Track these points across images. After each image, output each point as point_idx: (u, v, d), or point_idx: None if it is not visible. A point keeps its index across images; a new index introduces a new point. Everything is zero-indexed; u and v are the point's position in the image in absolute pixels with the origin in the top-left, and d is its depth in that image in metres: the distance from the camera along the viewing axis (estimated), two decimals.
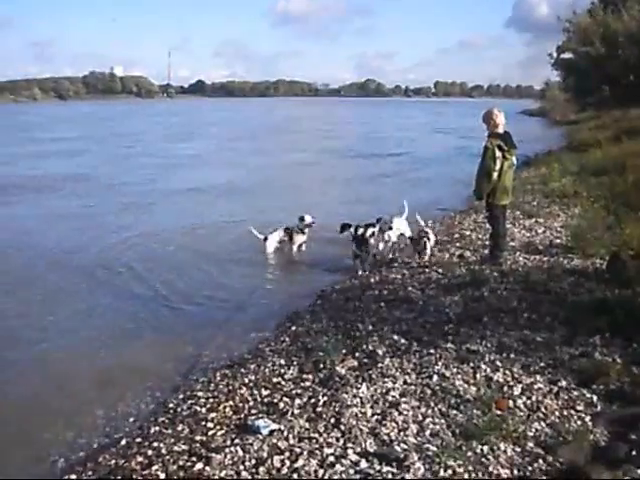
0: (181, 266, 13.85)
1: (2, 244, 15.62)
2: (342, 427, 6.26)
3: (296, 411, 6.75)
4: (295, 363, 8.11)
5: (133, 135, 55.51)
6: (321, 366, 7.83)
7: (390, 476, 5.37)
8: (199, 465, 5.87)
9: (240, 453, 5.98)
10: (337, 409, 6.65)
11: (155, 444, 6.48)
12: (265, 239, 14.31)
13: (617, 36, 44.63)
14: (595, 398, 6.46)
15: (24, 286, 12.48)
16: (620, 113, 40.34)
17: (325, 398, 6.97)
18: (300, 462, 5.71)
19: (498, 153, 11.26)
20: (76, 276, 13.16)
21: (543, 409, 6.30)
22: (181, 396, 7.77)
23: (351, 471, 5.50)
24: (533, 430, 5.92)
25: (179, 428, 6.80)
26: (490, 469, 5.37)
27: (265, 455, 5.88)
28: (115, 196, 23.33)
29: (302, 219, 14.28)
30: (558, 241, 13.08)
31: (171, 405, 7.54)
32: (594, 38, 47.60)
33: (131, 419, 7.44)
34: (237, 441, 6.23)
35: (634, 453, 5.37)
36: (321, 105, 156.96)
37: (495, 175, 11.34)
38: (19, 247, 15.42)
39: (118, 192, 24.19)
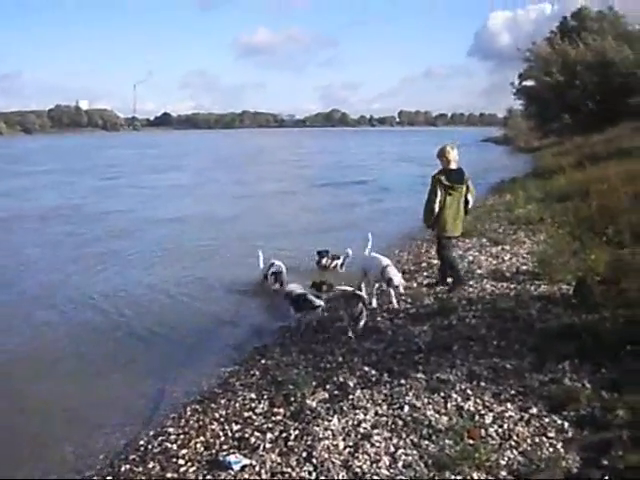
0: (153, 299, 13.81)
1: None
2: (314, 461, 6.24)
3: (267, 445, 6.71)
4: (266, 397, 8.05)
5: (112, 167, 55.65)
6: (292, 399, 7.79)
7: None
8: None
9: None
10: (309, 442, 6.62)
11: None
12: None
13: (575, 65, 45.35)
14: (566, 424, 6.47)
15: None
16: (582, 139, 40.89)
17: (296, 432, 6.94)
18: None
19: (440, 188, 11.79)
20: (44, 309, 13.14)
21: (515, 437, 6.31)
22: (151, 432, 7.69)
23: None
24: (506, 459, 5.92)
25: (150, 466, 6.74)
26: None
27: None
28: (102, 225, 24.26)
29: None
30: (525, 268, 13.14)
31: (141, 442, 7.47)
32: (554, 67, 48.32)
33: (101, 456, 7.33)
34: (209, 477, 6.22)
35: (607, 479, 5.38)
36: (288, 136, 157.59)
37: (436, 208, 11.84)
38: None
39: (105, 221, 25.22)
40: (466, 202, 12.17)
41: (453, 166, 12.00)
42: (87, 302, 13.49)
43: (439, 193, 11.80)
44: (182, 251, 18.85)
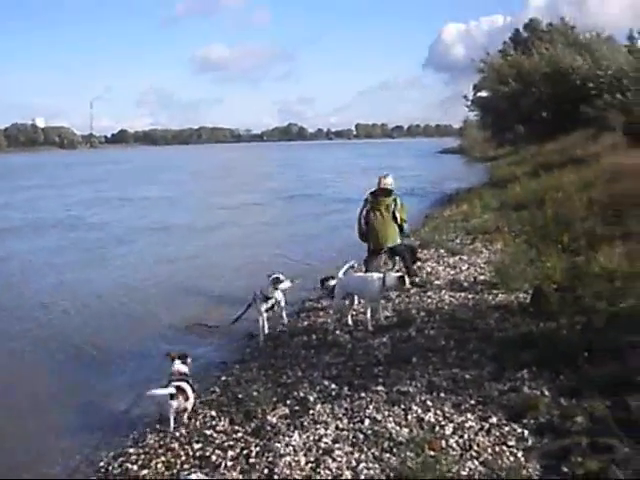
0: (113, 312, 13.94)
1: None
2: (276, 477, 6.22)
3: (229, 463, 6.68)
4: (226, 414, 8.01)
5: (94, 182, 56.99)
6: (252, 416, 7.75)
7: None
8: None
9: None
10: (270, 459, 6.59)
11: None
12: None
13: (530, 74, 45.83)
14: (526, 432, 6.50)
15: None
16: (536, 148, 41.31)
17: (258, 448, 6.90)
18: None
19: (367, 205, 13.50)
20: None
21: (475, 447, 6.32)
22: (112, 454, 7.62)
23: None
24: (467, 469, 5.92)
25: None
26: None
27: None
28: (102, 232, 26.57)
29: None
30: (482, 277, 13.21)
31: (102, 464, 7.41)
32: (508, 77, 48.81)
33: None
34: None
35: None
36: (247, 150, 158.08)
37: (363, 223, 13.46)
38: None
39: (104, 230, 27.41)
40: (395, 218, 13.33)
41: (382, 186, 13.59)
42: (38, 320, 13.55)
43: (364, 210, 13.46)
44: (161, 257, 20.33)
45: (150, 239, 24.65)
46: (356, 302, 11.57)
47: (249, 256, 19.18)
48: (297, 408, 7.81)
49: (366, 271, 12.94)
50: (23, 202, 40.15)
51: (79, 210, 34.64)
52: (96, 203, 38.32)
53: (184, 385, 8.09)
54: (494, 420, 6.83)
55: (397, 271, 12.93)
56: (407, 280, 11.03)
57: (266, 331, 11.38)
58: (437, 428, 6.82)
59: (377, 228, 13.28)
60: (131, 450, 7.54)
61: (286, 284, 11.60)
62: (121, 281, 17.07)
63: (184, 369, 8.53)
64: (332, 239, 22.30)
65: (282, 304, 11.75)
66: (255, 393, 8.31)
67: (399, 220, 13.36)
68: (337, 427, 7.14)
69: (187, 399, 7.99)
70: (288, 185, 48.02)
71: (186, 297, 14.90)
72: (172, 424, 7.90)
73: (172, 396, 7.84)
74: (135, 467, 7.04)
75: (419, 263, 14.61)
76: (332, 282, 12.46)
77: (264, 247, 21.01)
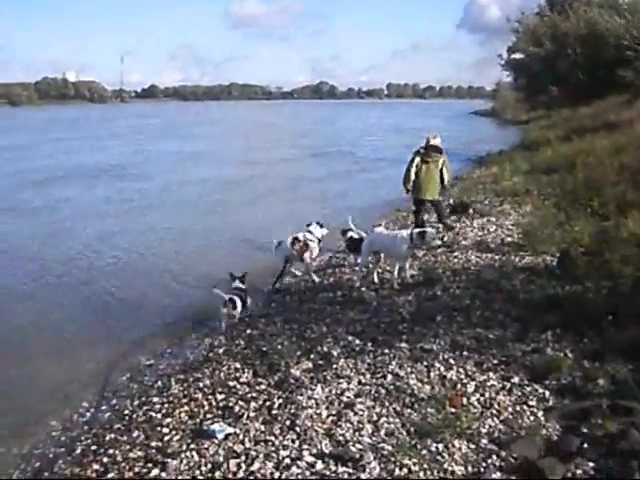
0: (138, 271, 13.93)
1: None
2: (297, 429, 6.29)
3: (251, 414, 6.76)
4: (250, 366, 8.10)
5: (133, 135, 58.95)
6: (276, 369, 7.84)
7: (346, 476, 5.40)
8: (155, 471, 5.87)
9: (196, 458, 5.98)
10: (292, 411, 6.67)
11: (111, 451, 6.46)
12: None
13: (565, 36, 45.23)
14: (547, 393, 6.55)
15: None
16: (569, 112, 40.86)
17: (280, 401, 6.99)
18: (256, 465, 5.71)
19: (417, 158, 13.78)
20: (25, 281, 13.25)
21: (496, 405, 6.37)
22: (136, 402, 7.76)
23: (307, 472, 5.53)
24: (487, 427, 5.98)
25: (134, 434, 6.78)
26: (445, 466, 5.42)
27: (221, 459, 5.88)
28: (148, 183, 27.65)
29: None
30: (510, 239, 13.18)
31: (126, 412, 7.53)
32: (543, 38, 48.20)
33: (86, 427, 7.38)
34: (193, 446, 6.24)
35: (585, 446, 5.44)
36: (278, 107, 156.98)
37: (412, 175, 13.76)
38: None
39: (151, 180, 28.63)
40: (442, 175, 13.80)
41: (432, 142, 13.82)
42: (74, 277, 13.61)
43: (416, 161, 13.70)
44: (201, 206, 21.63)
45: (194, 189, 25.46)
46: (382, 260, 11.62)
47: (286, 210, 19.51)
48: (321, 362, 7.89)
49: (415, 222, 13.69)
50: (67, 153, 41.00)
51: (121, 161, 35.63)
52: (136, 156, 39.02)
53: (235, 298, 10.02)
54: (516, 380, 6.87)
55: (431, 226, 12.98)
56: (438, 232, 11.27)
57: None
58: (459, 386, 6.88)
59: (424, 180, 13.74)
60: (155, 399, 7.67)
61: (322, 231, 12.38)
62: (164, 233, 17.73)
63: (241, 286, 10.54)
64: (363, 197, 22.61)
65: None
66: (279, 346, 8.42)
67: (445, 180, 13.92)
68: (359, 382, 7.21)
69: (235, 308, 9.93)
70: (321, 142, 47.81)
71: (229, 248, 15.47)
72: (223, 326, 9.90)
73: (224, 303, 9.88)
74: (159, 415, 7.16)
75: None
76: (351, 233, 12.51)
77: (301, 201, 21.69)
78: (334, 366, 7.69)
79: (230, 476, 5.61)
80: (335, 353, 8.09)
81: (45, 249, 15.93)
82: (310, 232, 12.16)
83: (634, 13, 40.35)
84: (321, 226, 12.42)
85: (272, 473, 5.57)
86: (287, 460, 5.74)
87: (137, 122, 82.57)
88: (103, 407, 7.90)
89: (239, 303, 10.04)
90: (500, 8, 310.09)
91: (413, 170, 13.69)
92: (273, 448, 5.99)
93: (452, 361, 7.48)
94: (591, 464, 5.21)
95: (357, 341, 8.45)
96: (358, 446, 5.83)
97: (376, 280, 11.29)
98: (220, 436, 6.29)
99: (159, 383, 8.27)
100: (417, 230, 11.18)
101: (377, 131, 61.98)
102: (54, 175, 29.47)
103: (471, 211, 16.04)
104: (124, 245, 16.21)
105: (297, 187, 25.64)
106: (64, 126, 73.75)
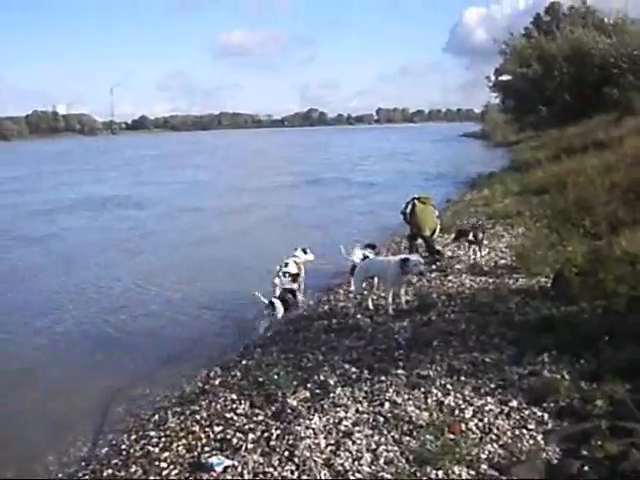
0: (133, 299, 14.05)
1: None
2: (296, 460, 6.24)
3: (250, 446, 6.70)
4: (247, 397, 8.04)
5: (131, 166, 61.31)
6: (273, 399, 7.79)
7: None
8: None
9: None
10: (290, 442, 6.62)
11: None
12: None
13: (552, 57, 45.58)
14: (546, 416, 6.51)
15: None
16: (558, 132, 41.10)
17: (278, 431, 6.93)
18: None
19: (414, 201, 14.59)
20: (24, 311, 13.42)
21: (495, 430, 6.33)
22: (133, 437, 7.71)
23: None
24: (486, 452, 5.94)
25: (132, 470, 6.75)
26: None
27: None
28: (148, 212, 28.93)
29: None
30: (503, 262, 13.23)
31: (124, 446, 7.48)
32: (530, 60, 48.55)
33: (83, 463, 7.35)
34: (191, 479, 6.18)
35: (586, 469, 5.41)
36: (269, 136, 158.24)
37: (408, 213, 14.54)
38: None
39: (150, 208, 29.82)
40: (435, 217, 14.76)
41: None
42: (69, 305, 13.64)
43: (411, 204, 14.64)
44: (202, 238, 21.57)
45: (191, 219, 26.14)
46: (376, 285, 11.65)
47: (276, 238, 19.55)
48: (318, 391, 7.84)
49: (410, 251, 13.68)
50: (69, 184, 42.76)
51: (122, 191, 37.02)
52: (137, 186, 40.40)
53: (274, 300, 10.78)
54: (514, 404, 6.83)
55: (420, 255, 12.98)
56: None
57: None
58: (457, 411, 6.83)
59: (420, 217, 14.32)
60: (152, 433, 7.61)
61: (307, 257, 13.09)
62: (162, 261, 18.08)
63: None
64: (356, 224, 22.58)
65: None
66: (276, 376, 8.34)
67: (436, 228, 14.68)
68: (357, 410, 7.17)
69: (274, 310, 10.66)
70: (314, 169, 48.60)
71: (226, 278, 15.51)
72: (261, 330, 10.63)
73: (266, 306, 10.65)
74: (156, 449, 7.09)
75: (439, 247, 14.71)
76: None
77: (297, 229, 21.79)
78: (331, 395, 7.63)
79: None
80: (332, 382, 8.03)
81: (45, 278, 16.25)
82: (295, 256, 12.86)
83: (618, 33, 40.76)
84: (305, 252, 13.07)
85: None
86: None
87: (134, 153, 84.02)
88: (100, 441, 7.85)
89: (279, 305, 10.72)
90: (486, 30, 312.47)
91: (408, 211, 14.54)
92: None
93: (449, 386, 7.44)
94: None
95: (353, 369, 8.40)
96: (358, 475, 5.80)
97: (371, 306, 11.28)
98: (219, 469, 6.25)
99: (156, 417, 8.19)
100: (400, 257, 11.21)
101: (368, 157, 62.29)
102: (60, 205, 30.98)
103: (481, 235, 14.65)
104: (122, 274, 16.38)
105: (292, 214, 25.88)
106: (61, 159, 75.69)
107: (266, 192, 34.29)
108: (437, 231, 14.73)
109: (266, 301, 10.41)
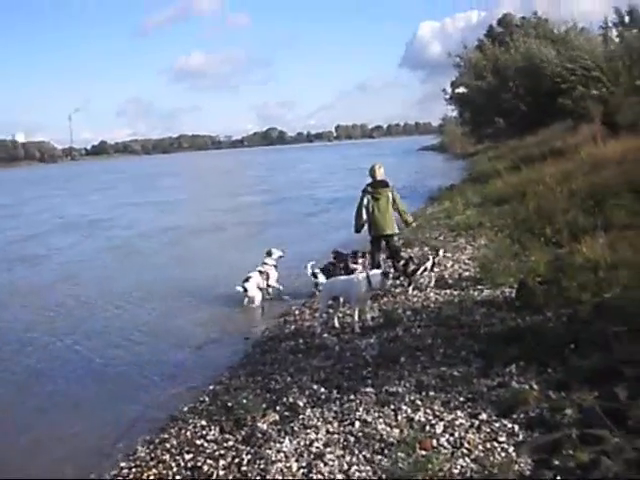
0: (100, 324, 13.92)
1: None
2: None
3: (221, 472, 6.65)
4: (216, 423, 7.96)
5: (104, 190, 61.60)
6: (242, 423, 7.71)
7: None
8: None
9: None
10: (262, 466, 6.56)
11: None
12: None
13: (506, 68, 45.98)
14: (516, 427, 6.51)
15: None
16: (516, 142, 41.52)
17: (249, 456, 6.87)
18: None
19: (367, 196, 13.78)
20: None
21: (466, 444, 6.31)
22: (104, 467, 7.55)
23: None
24: (459, 467, 5.91)
25: None
26: None
27: None
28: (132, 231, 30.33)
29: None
30: (467, 274, 13.27)
31: (92, 476, 7.37)
32: (485, 72, 48.92)
33: None
34: None
35: (559, 478, 5.41)
36: (230, 156, 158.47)
37: (364, 214, 13.76)
38: None
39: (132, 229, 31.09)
40: (395, 208, 13.84)
41: (378, 178, 14.01)
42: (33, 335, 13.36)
43: (366, 200, 13.69)
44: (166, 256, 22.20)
45: (163, 239, 26.59)
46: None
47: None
48: (287, 414, 7.78)
49: (372, 262, 13.74)
50: (44, 209, 44.36)
51: (98, 215, 37.73)
52: (111, 209, 41.19)
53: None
54: (484, 416, 6.83)
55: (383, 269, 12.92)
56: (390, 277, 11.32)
57: None
58: (427, 427, 6.81)
59: (379, 217, 13.62)
60: (122, 464, 7.48)
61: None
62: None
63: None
64: (325, 238, 22.78)
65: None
66: (244, 400, 8.25)
67: (400, 211, 13.96)
68: (328, 431, 7.12)
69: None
70: (278, 187, 49.56)
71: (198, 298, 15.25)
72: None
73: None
74: None
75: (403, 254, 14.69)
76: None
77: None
78: (301, 416, 7.58)
79: None
80: (301, 403, 7.98)
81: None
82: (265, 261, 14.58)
83: (564, 43, 41.26)
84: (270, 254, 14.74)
85: None
86: None
87: (98, 178, 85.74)
88: (69, 471, 7.67)
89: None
90: (441, 44, 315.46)
91: (364, 211, 13.72)
92: None
93: (419, 402, 7.42)
94: None
95: (322, 389, 8.35)
96: None
97: (337, 325, 11.24)
98: None
99: (125, 446, 8.03)
100: (379, 272, 11.21)
101: (330, 174, 62.44)
102: (45, 229, 32.39)
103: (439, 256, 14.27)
104: (89, 294, 16.62)
105: (261, 233, 25.74)
106: (31, 186, 76.88)
107: (234, 211, 34.65)
108: (409, 217, 14.71)
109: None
